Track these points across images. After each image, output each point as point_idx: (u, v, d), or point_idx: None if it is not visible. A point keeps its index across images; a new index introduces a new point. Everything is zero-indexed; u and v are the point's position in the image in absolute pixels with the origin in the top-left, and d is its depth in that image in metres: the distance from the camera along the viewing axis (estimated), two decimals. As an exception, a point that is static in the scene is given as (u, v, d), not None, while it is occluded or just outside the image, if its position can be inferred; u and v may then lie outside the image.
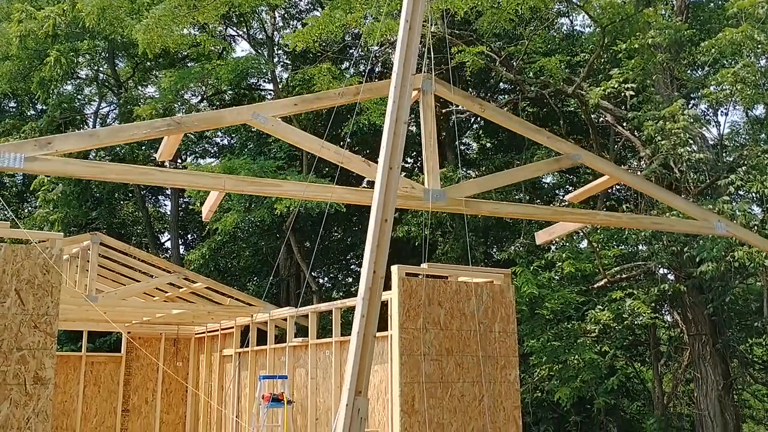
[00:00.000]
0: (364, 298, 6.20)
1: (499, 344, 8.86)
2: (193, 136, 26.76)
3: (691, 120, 13.50)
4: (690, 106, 16.52)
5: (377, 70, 24.71)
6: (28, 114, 25.61)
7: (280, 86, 22.89)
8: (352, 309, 13.52)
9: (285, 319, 13.62)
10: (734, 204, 13.16)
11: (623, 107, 16.21)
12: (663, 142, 13.40)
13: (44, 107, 24.33)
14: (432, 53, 8.25)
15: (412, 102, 8.11)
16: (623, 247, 16.88)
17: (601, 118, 18.26)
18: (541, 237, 10.05)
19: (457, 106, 21.52)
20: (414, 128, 24.38)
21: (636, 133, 16.41)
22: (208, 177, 7.68)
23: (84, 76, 25.92)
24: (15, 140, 21.04)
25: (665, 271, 15.93)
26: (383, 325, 11.33)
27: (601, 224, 10.88)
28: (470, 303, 8.77)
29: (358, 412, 5.97)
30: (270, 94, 25.63)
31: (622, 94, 14.13)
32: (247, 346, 14.27)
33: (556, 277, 15.12)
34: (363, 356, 6.05)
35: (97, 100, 26.27)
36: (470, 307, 8.76)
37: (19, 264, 6.86)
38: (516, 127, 8.95)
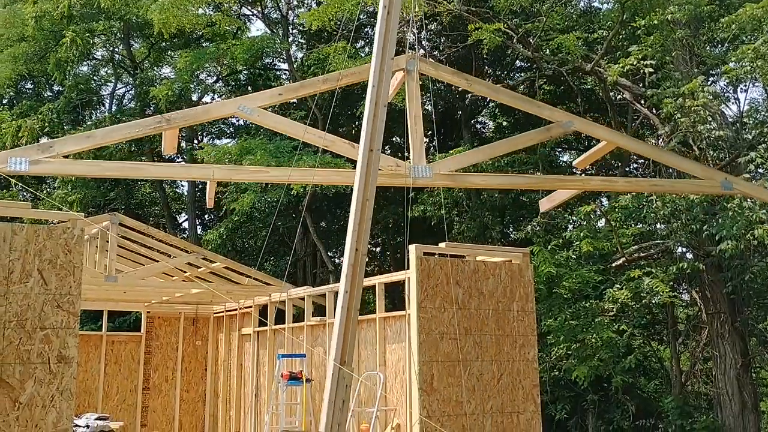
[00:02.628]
0: (346, 274, 6.59)
1: (517, 323, 8.86)
2: (208, 117, 26.77)
3: (711, 97, 13.34)
4: (709, 83, 16.31)
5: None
6: (45, 95, 25.73)
7: (294, 66, 22.84)
8: (369, 288, 13.56)
9: (302, 299, 13.69)
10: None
11: (641, 84, 16.03)
12: (682, 120, 13.26)
13: (61, 88, 24.43)
14: (420, 32, 8.26)
15: (400, 84, 8.22)
16: (641, 225, 16.79)
17: (619, 96, 18.08)
18: (544, 205, 9.87)
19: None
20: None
21: (654, 111, 16.25)
22: (198, 168, 8.14)
23: (100, 57, 25.98)
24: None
25: (683, 249, 15.84)
26: (400, 305, 11.38)
27: (596, 189, 10.58)
28: (488, 282, 8.77)
29: (343, 379, 6.48)
30: (285, 73, 25.58)
31: (641, 71, 13.96)
32: (266, 325, 14.37)
33: (574, 256, 15.07)
34: (347, 329, 6.49)
35: (113, 81, 26.34)
36: (488, 287, 8.76)
37: (41, 244, 6.92)
38: (505, 99, 9.05)
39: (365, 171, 6.85)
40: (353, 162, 7.17)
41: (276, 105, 8.52)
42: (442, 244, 8.98)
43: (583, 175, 15.29)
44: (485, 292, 8.70)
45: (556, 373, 15.74)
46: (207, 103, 26.40)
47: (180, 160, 26.92)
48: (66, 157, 7.12)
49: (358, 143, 7.28)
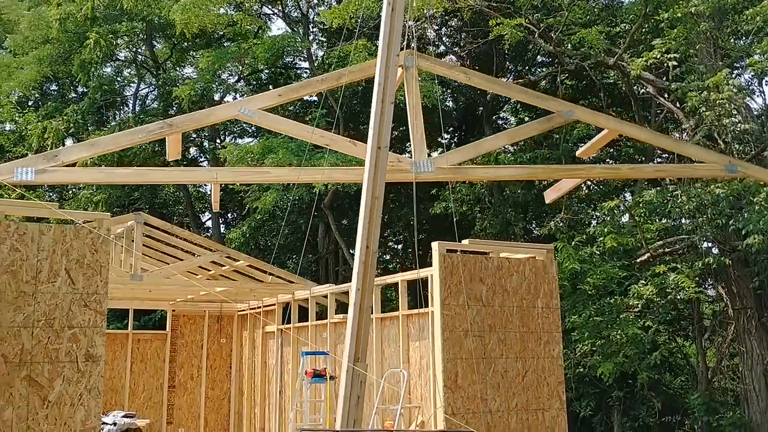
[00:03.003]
0: (358, 272, 6.69)
1: (542, 320, 8.82)
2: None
3: (735, 90, 13.16)
4: (734, 75, 16.10)
5: (412, 45, 24.54)
6: (70, 97, 26.03)
7: (315, 64, 22.89)
8: (391, 285, 13.56)
9: (325, 296, 13.73)
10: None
11: (665, 78, 15.86)
12: (707, 113, 13.10)
13: (85, 90, 24.70)
14: (412, 33, 8.34)
15: (399, 80, 8.22)
16: (666, 221, 16.62)
17: (643, 90, 17.90)
18: (549, 195, 9.72)
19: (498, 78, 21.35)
20: (451, 102, 24.22)
21: (678, 105, 16.07)
22: (202, 171, 8.06)
23: (123, 58, 26.22)
24: (59, 123, 21.42)
25: (709, 244, 15.66)
26: (423, 302, 11.38)
27: (600, 177, 10.42)
28: (512, 279, 8.74)
29: (358, 376, 6.58)
30: (306, 72, 25.64)
31: (665, 64, 13.80)
32: (289, 323, 14.44)
33: (598, 252, 14.96)
34: (359, 326, 6.59)
35: (136, 81, 26.57)
36: (512, 283, 8.72)
37: (68, 244, 7.02)
38: (502, 90, 8.96)
39: (374, 169, 6.94)
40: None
41: (277, 105, 8.54)
42: (465, 241, 8.96)
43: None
44: (509, 289, 8.67)
45: (581, 369, 15.65)
46: (228, 102, 26.56)
47: (203, 160, 27.13)
48: (72, 165, 7.19)
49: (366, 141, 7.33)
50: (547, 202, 10.19)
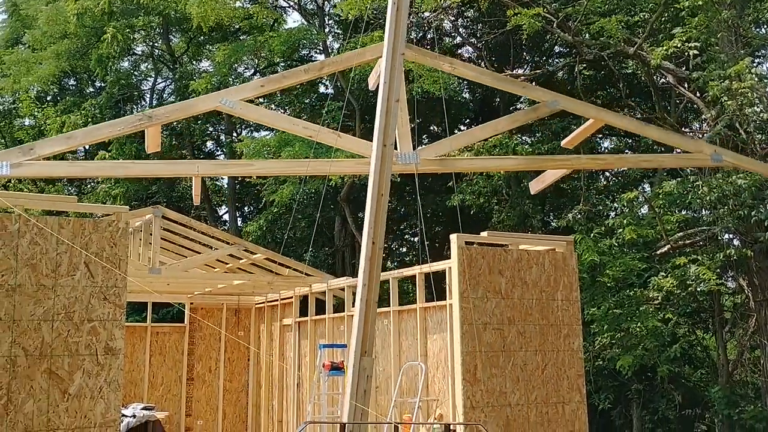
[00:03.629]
0: (364, 268, 6.80)
1: (561, 312, 8.74)
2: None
3: (758, 79, 12.95)
4: (755, 65, 15.87)
5: (429, 36, 24.43)
6: (88, 91, 26.17)
7: (331, 56, 22.84)
8: (408, 278, 13.52)
9: (342, 289, 13.71)
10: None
11: (684, 68, 15.65)
12: (729, 103, 12.90)
13: (103, 84, 24.81)
14: (428, 24, 8.32)
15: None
16: (685, 212, 16.43)
17: (662, 80, 17.69)
18: (533, 187, 9.64)
19: (514, 69, 21.21)
20: (467, 94, 24.08)
21: (699, 95, 15.86)
22: (182, 164, 8.02)
23: (140, 53, 26.31)
24: (77, 117, 21.55)
25: (730, 236, 15.47)
26: (440, 295, 11.33)
27: (585, 167, 10.37)
28: (532, 271, 8.66)
29: (365, 370, 6.68)
30: (322, 64, 25.59)
31: (686, 53, 13.61)
32: (307, 316, 14.44)
33: (617, 244, 14.81)
34: (366, 321, 6.69)
35: (153, 75, 26.67)
36: (532, 276, 8.65)
37: (87, 237, 7.03)
38: (488, 80, 9.08)
39: (379, 166, 7.02)
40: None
41: (259, 96, 8.45)
42: (484, 233, 8.89)
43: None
44: (528, 282, 8.60)
45: (600, 362, 15.53)
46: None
47: (220, 154, 27.20)
48: (48, 158, 7.13)
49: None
50: (532, 193, 10.05)
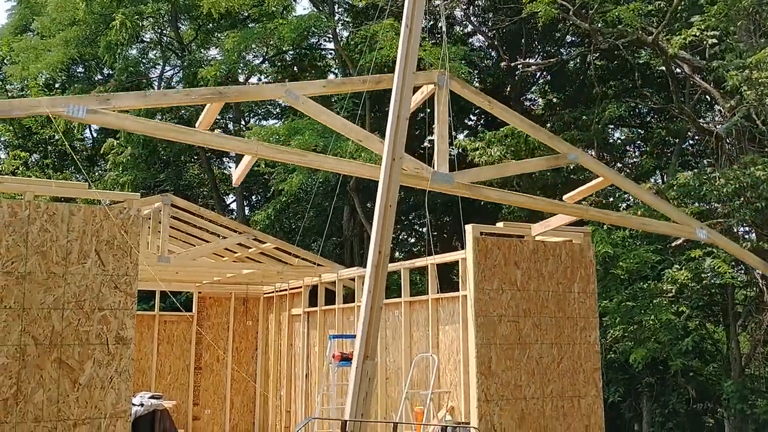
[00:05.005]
0: (370, 275, 7.04)
1: (578, 305, 8.60)
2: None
3: (779, 68, 12.71)
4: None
5: (440, 24, 24.19)
6: (96, 79, 26.04)
7: (341, 44, 22.64)
8: (419, 269, 13.39)
9: (353, 279, 13.59)
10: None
11: (698, 57, 15.42)
12: (748, 92, 12.67)
13: (111, 71, 24.68)
14: (445, 51, 8.56)
15: (427, 97, 8.82)
16: (699, 204, 16.23)
17: (677, 70, 17.45)
18: (535, 229, 9.87)
19: (526, 58, 21.00)
20: (478, 84, 23.85)
21: (713, 85, 15.63)
22: (242, 141, 8.57)
23: (148, 40, 26.16)
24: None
25: (746, 228, 15.27)
26: (452, 287, 11.19)
27: (593, 219, 10.98)
28: (548, 263, 8.51)
29: (366, 374, 6.89)
30: (331, 53, 25.41)
31: (704, 42, 13.37)
32: (316, 306, 14.33)
33: (630, 236, 14.63)
34: (370, 325, 6.92)
35: (161, 63, 26.52)
36: (548, 267, 8.50)
37: (98, 225, 6.90)
38: (525, 127, 9.30)
39: (388, 178, 7.36)
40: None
41: (320, 95, 8.78)
42: (499, 224, 8.74)
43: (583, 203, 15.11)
44: (545, 273, 8.45)
45: (612, 355, 15.37)
46: (254, 83, 26.44)
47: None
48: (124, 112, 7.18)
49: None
50: (532, 234, 10.25)
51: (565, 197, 10.03)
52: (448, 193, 8.46)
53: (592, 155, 19.21)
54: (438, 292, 10.53)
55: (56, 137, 25.99)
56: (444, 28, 14.37)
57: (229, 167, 29.15)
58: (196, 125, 7.63)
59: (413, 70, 7.90)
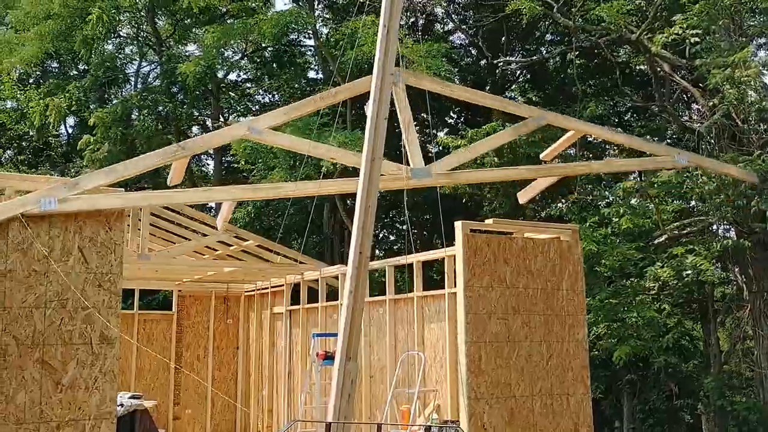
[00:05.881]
0: (351, 276, 7.08)
1: (566, 302, 8.57)
2: (235, 95, 26.56)
3: (761, 66, 12.82)
4: (755, 52, 15.75)
5: (420, 22, 24.12)
6: (72, 74, 25.60)
7: (321, 41, 22.48)
8: (404, 267, 13.30)
9: (336, 277, 13.46)
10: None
11: (678, 57, 15.49)
12: (731, 91, 12.75)
13: (87, 67, 24.27)
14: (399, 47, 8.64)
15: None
16: (680, 202, 16.33)
17: (657, 69, 17.55)
18: (523, 196, 10.00)
19: (509, 55, 21.02)
20: (458, 81, 23.82)
21: (693, 84, 15.74)
22: (218, 191, 8.85)
23: (125, 35, 25.77)
24: (61, 101, 21.05)
25: (727, 226, 15.39)
26: (439, 284, 11.11)
27: (576, 174, 11.10)
28: (537, 260, 8.48)
29: (349, 374, 6.93)
30: (310, 50, 25.22)
31: (686, 40, 13.44)
32: (298, 304, 14.19)
33: (612, 234, 14.67)
34: (352, 326, 6.97)
35: (138, 59, 26.14)
36: (537, 265, 8.46)
37: (81, 221, 6.72)
38: (480, 99, 9.42)
39: (368, 179, 7.44)
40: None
41: (282, 123, 8.87)
42: (489, 221, 8.69)
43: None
44: (534, 270, 8.41)
45: (595, 352, 15.41)
46: (232, 81, 26.18)
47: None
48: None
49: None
50: (521, 202, 10.30)
51: (542, 156, 10.09)
52: (427, 190, 8.60)
53: (572, 154, 19.32)
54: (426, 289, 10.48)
55: (30, 133, 25.53)
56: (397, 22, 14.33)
57: (207, 164, 28.86)
58: (168, 182, 7.69)
59: (392, 71, 7.96)
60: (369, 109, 7.87)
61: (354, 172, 17.63)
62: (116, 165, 7.51)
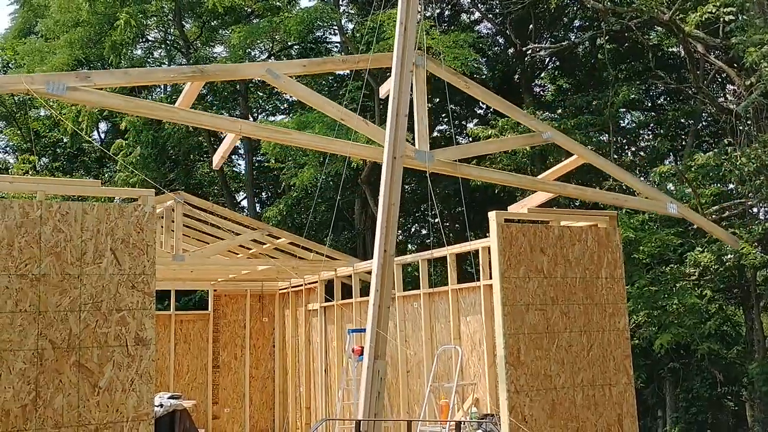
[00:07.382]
0: (376, 274, 7.09)
1: (606, 291, 8.36)
2: (263, 94, 26.59)
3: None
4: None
5: (446, 13, 23.91)
6: (102, 80, 25.83)
7: (346, 36, 22.39)
8: (438, 260, 13.17)
9: (369, 272, 13.36)
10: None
11: (711, 36, 15.09)
12: (767, 68, 12.38)
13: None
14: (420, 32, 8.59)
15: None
16: (718, 185, 15.94)
17: (691, 49, 17.13)
18: (514, 209, 9.84)
19: (534, 43, 20.77)
20: (487, 71, 23.54)
21: (728, 64, 15.31)
22: (226, 120, 8.78)
23: (153, 39, 25.98)
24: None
25: (766, 209, 14.99)
26: (470, 277, 10.95)
27: (571, 195, 11.09)
28: (574, 249, 8.28)
29: (378, 372, 6.99)
30: (336, 46, 25.16)
31: (720, 19, 13.07)
32: (332, 300, 14.14)
33: (650, 220, 14.36)
34: (379, 325, 6.97)
35: (167, 62, 26.31)
36: (574, 253, 8.27)
37: (113, 223, 6.70)
38: (496, 104, 9.29)
39: (389, 177, 7.45)
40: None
41: (300, 74, 8.91)
42: (524, 209, 8.51)
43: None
44: (571, 259, 8.22)
45: (636, 341, 15.12)
46: (260, 80, 26.19)
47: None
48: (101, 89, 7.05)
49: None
50: (524, 211, 10.21)
51: (540, 176, 10.05)
52: (456, 182, 8.59)
53: (605, 140, 19.00)
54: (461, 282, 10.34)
55: (65, 140, 25.86)
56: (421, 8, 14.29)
57: (239, 164, 29.00)
58: (176, 104, 7.53)
59: (410, 69, 7.97)
60: (389, 104, 7.81)
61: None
62: (131, 69, 7.53)
